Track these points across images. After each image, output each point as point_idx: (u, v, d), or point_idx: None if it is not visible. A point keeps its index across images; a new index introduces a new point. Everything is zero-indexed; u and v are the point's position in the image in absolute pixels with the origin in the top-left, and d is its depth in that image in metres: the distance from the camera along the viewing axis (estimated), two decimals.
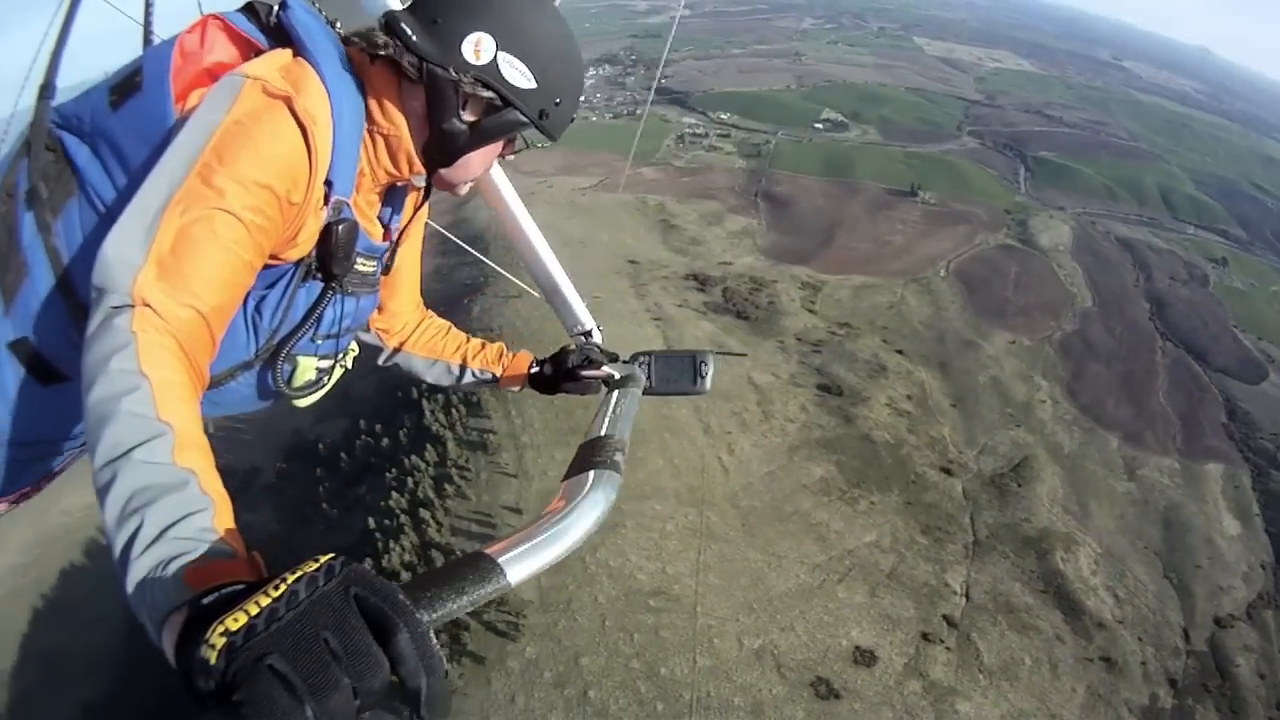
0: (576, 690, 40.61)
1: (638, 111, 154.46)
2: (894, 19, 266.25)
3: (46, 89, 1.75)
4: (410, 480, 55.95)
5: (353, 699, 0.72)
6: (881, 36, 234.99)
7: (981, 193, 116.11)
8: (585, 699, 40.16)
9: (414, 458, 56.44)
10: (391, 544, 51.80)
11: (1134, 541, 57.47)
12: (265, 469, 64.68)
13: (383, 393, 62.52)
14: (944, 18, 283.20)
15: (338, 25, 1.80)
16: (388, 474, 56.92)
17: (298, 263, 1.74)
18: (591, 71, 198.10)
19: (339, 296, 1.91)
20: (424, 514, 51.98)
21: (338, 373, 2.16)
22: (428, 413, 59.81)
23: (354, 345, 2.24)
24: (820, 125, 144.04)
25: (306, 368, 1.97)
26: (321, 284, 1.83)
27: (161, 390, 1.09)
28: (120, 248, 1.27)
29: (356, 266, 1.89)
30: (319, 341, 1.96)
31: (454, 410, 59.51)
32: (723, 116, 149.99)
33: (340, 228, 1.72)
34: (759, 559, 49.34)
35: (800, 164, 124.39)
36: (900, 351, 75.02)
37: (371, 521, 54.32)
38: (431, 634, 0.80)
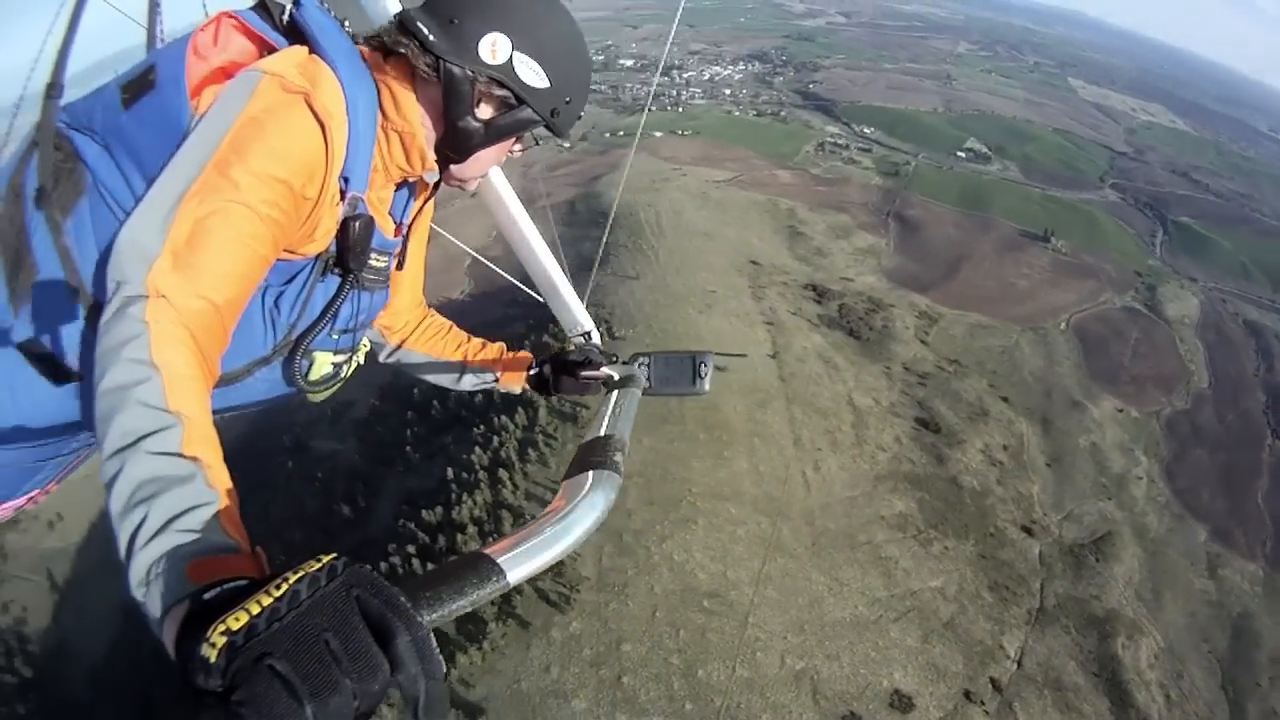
0: (611, 673, 39.78)
1: (782, 113, 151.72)
2: (1051, 55, 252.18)
3: (53, 88, 1.67)
4: (496, 439, 55.69)
5: (352, 700, 0.70)
6: (1036, 72, 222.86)
7: (1115, 249, 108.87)
8: (618, 683, 39.30)
9: (504, 418, 56.17)
10: (465, 497, 51.86)
11: (1199, 643, 53.19)
12: (359, 404, 65.82)
13: None
14: (1102, 62, 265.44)
15: (346, 24, 1.77)
16: (475, 429, 56.93)
17: (315, 258, 1.70)
18: (741, 66, 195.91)
19: (355, 292, 1.87)
20: (502, 474, 51.67)
21: (352, 366, 2.11)
22: None
23: (366, 341, 2.19)
24: (962, 154, 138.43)
25: (323, 362, 1.94)
26: (339, 279, 1.79)
27: (172, 381, 1.05)
28: (136, 238, 1.25)
29: (371, 262, 1.85)
30: (336, 336, 1.93)
31: None
32: (866, 130, 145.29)
33: (357, 223, 1.69)
34: (821, 582, 47.53)
35: (937, 191, 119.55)
36: (1005, 399, 71.60)
37: (450, 472, 54.56)
38: (431, 636, 0.78)
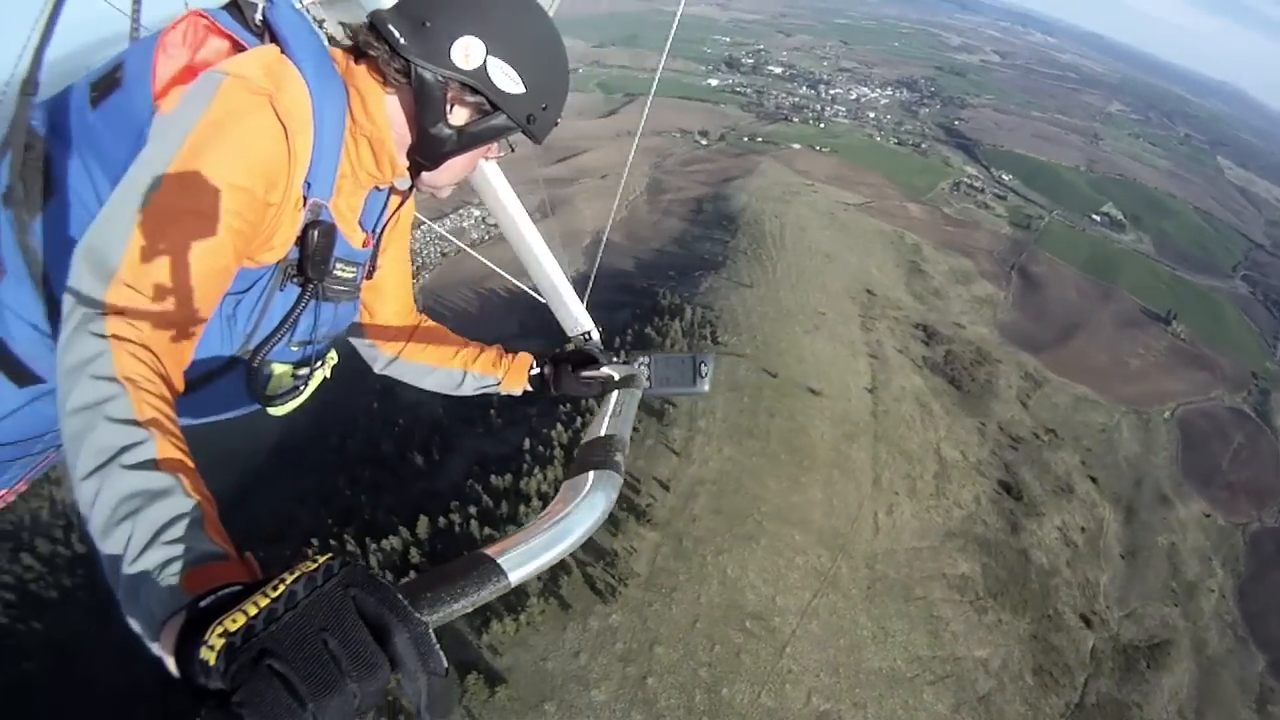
0: (638, 671, 39.10)
1: (923, 145, 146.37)
2: (1203, 130, 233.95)
3: (28, 85, 1.60)
4: (579, 419, 55.47)
5: (352, 699, 0.69)
6: (1185, 145, 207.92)
7: (1235, 345, 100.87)
8: (642, 683, 38.62)
9: (592, 401, 55.45)
10: (537, 470, 52.20)
11: None
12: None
13: None
14: (1254, 144, 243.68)
15: (324, 24, 1.69)
16: (562, 406, 56.29)
17: (274, 266, 1.58)
18: (889, 91, 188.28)
19: (316, 302, 1.73)
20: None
21: (317, 380, 1.98)
22: None
23: (333, 353, 2.06)
24: (1097, 218, 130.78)
25: (283, 374, 1.83)
26: (298, 289, 1.66)
27: (139, 396, 1.01)
28: (94, 252, 1.17)
29: (335, 272, 1.74)
30: (295, 348, 1.80)
31: None
32: (1004, 177, 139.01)
33: (317, 231, 1.57)
34: (867, 627, 45.87)
35: (1065, 251, 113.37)
36: (1094, 479, 67.47)
37: (528, 443, 54.83)
38: (431, 634, 0.76)
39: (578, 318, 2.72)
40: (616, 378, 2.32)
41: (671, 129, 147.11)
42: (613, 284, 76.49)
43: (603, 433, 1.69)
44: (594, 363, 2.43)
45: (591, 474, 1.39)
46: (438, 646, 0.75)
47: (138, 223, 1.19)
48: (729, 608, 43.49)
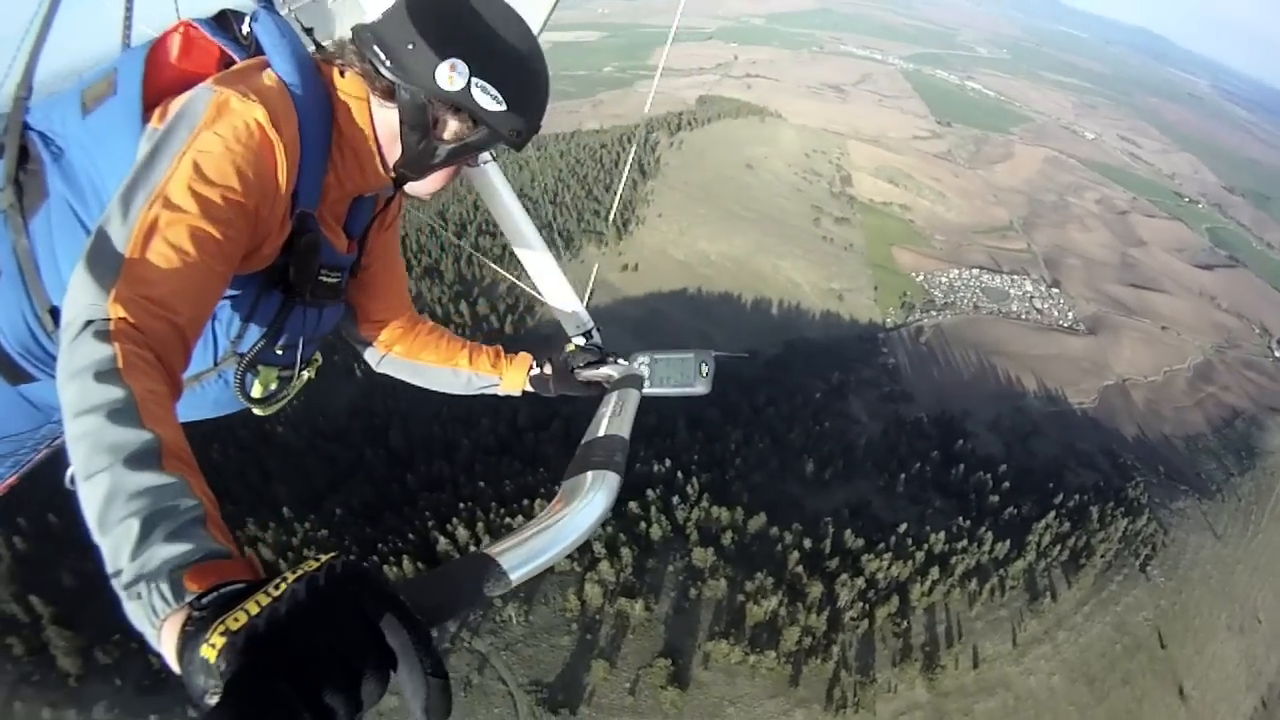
0: None
1: None
2: None
3: (23, 89, 1.63)
4: None
5: (352, 700, 0.67)
6: None
7: None
8: None
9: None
10: None
11: None
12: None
13: None
14: None
15: (313, 33, 1.72)
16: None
17: (260, 273, 1.61)
18: None
19: (301, 308, 1.76)
20: None
21: (301, 382, 2.00)
22: None
23: (318, 355, 2.06)
24: None
25: (268, 377, 1.85)
26: (284, 295, 1.70)
27: (145, 400, 1.01)
28: (94, 262, 1.17)
29: (320, 278, 1.75)
30: (280, 351, 1.82)
31: None
32: None
33: (303, 240, 1.61)
34: None
35: None
36: None
37: None
38: (432, 635, 0.75)
39: (578, 316, 2.63)
40: (616, 377, 2.28)
41: (1254, 317, 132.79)
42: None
43: (603, 433, 1.66)
44: (594, 362, 2.39)
45: (591, 474, 1.36)
46: (437, 648, 0.72)
47: (136, 232, 1.19)
48: None
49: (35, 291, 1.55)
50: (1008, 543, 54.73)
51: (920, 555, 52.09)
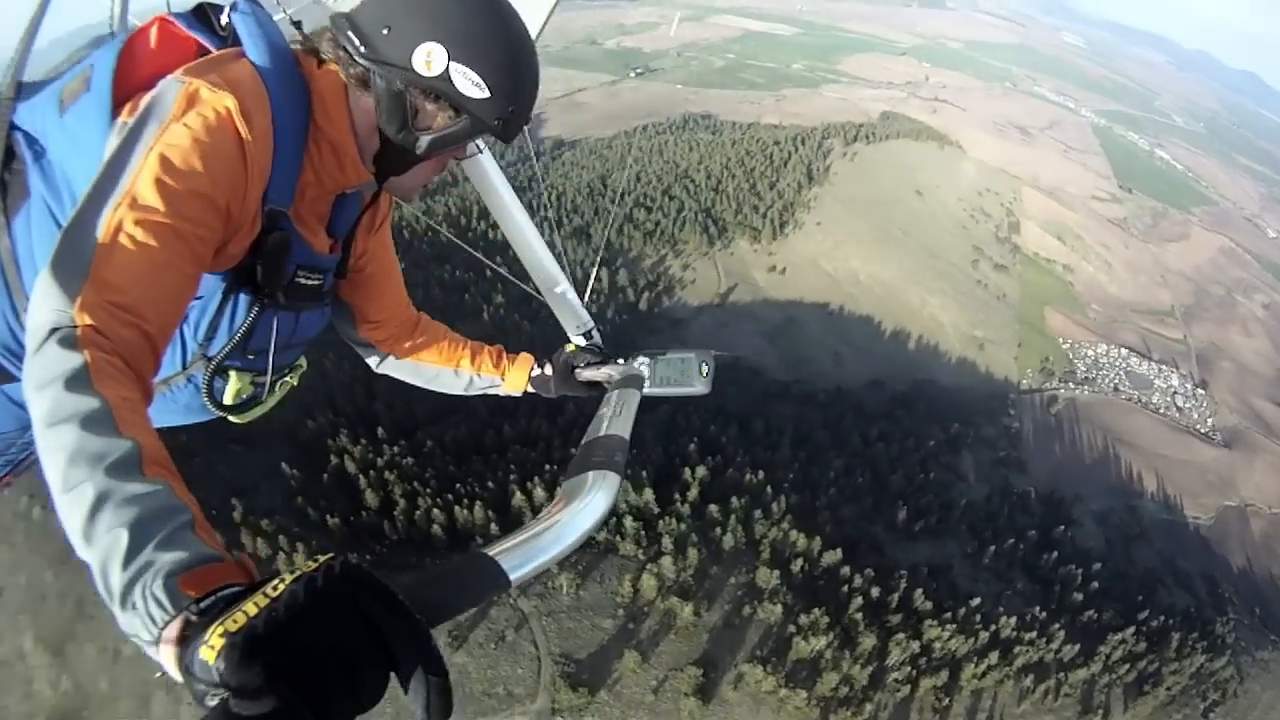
0: None
1: None
2: None
3: (11, 89, 1.57)
4: None
5: (352, 699, 0.67)
6: None
7: None
8: None
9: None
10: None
11: None
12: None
13: None
14: None
15: (300, 24, 1.65)
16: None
17: (228, 273, 1.53)
18: None
19: (274, 311, 1.68)
20: None
21: (282, 389, 1.95)
22: None
23: (302, 361, 2.01)
24: None
25: (240, 383, 1.78)
26: (253, 296, 1.61)
27: (119, 407, 0.96)
28: (60, 265, 1.12)
29: (297, 280, 1.68)
30: (252, 356, 1.75)
31: None
32: None
33: (270, 238, 1.51)
34: None
35: None
36: None
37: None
38: (432, 635, 0.74)
39: (579, 315, 2.61)
40: (617, 377, 2.25)
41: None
42: None
43: (603, 433, 1.64)
44: (595, 362, 2.37)
45: (591, 474, 1.36)
46: (438, 648, 0.73)
47: (102, 233, 1.15)
48: None
49: (16, 292, 1.51)
50: (1078, 646, 52.08)
51: (985, 635, 49.96)
